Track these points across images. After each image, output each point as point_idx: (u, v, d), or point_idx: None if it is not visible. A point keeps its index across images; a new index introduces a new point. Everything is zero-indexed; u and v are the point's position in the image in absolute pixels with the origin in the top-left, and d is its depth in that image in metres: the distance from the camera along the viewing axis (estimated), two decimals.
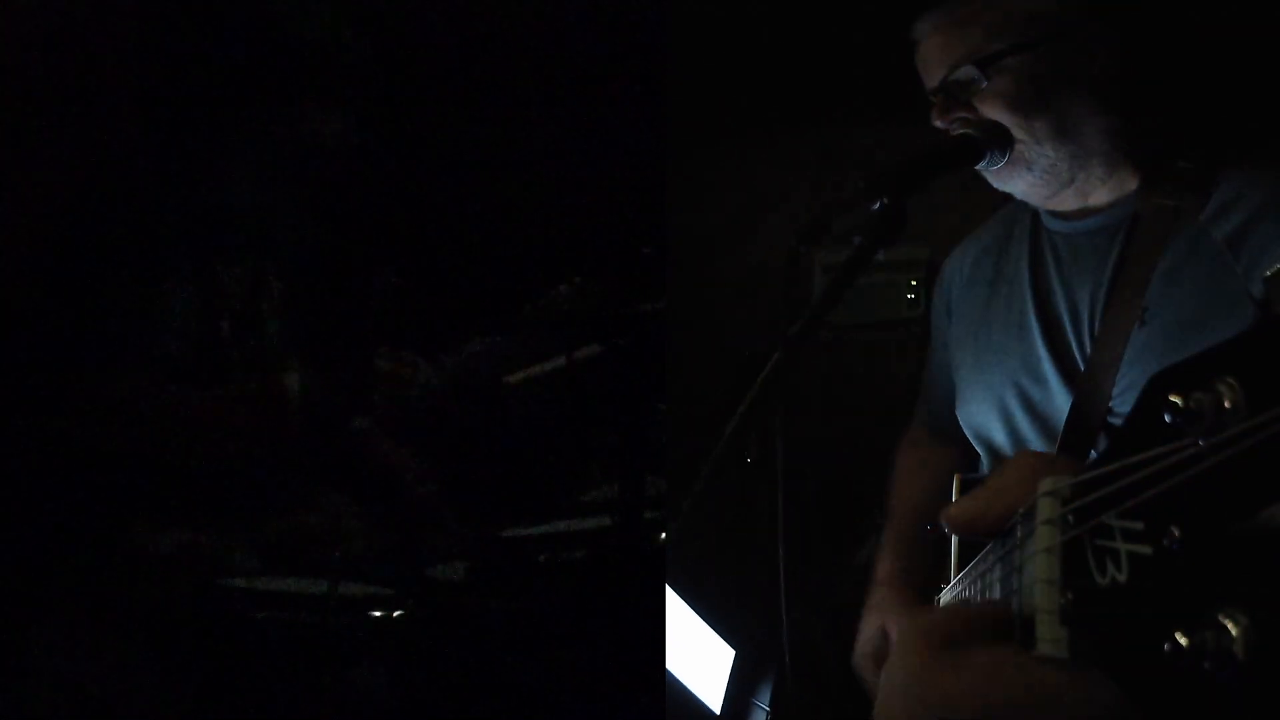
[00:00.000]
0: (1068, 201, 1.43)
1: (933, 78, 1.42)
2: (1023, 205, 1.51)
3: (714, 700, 2.09)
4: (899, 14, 1.44)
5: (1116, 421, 1.32)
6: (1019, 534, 0.56)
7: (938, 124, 1.41)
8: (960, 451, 1.65)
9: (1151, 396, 0.44)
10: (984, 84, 1.36)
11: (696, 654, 2.10)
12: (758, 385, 1.08)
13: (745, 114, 3.23)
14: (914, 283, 3.29)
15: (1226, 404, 0.40)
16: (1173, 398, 0.42)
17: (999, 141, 1.36)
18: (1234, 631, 0.39)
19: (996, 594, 0.63)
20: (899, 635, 0.57)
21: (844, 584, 1.64)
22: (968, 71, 1.38)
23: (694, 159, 3.31)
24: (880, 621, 1.62)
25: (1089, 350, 1.36)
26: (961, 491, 1.41)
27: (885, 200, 1.16)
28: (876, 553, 1.75)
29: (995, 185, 1.44)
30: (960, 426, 1.59)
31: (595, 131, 2.97)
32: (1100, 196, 1.42)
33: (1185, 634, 0.40)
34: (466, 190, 3.06)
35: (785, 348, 1.08)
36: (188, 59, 2.02)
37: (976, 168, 1.38)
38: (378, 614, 1.68)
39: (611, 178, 2.95)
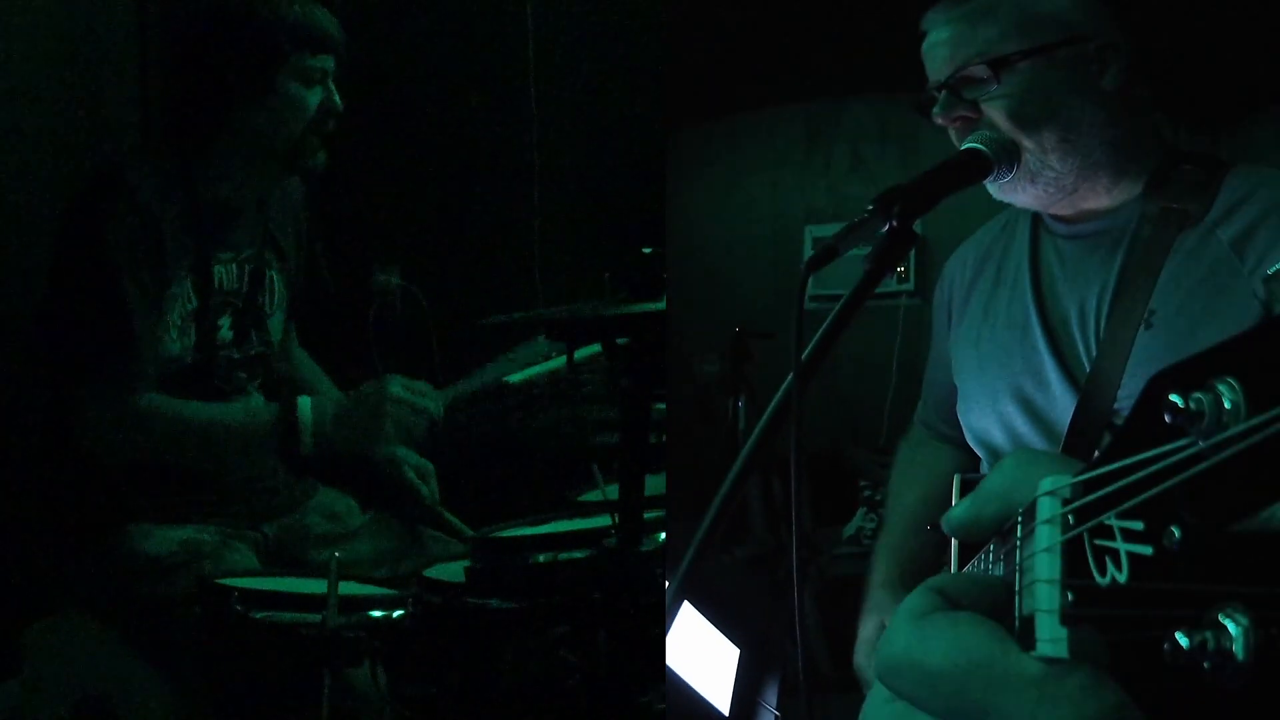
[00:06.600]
0: (1070, 207, 1.42)
1: (939, 71, 1.38)
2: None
3: (722, 702, 2.07)
4: None
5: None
6: (1019, 533, 0.56)
7: (939, 121, 1.39)
8: (960, 451, 1.64)
9: (1151, 396, 0.44)
10: (994, 85, 1.33)
11: (702, 654, 2.09)
12: (769, 412, 1.06)
13: (735, 89, 3.22)
14: None
15: (1226, 404, 0.40)
16: (1173, 398, 0.42)
17: (1007, 154, 1.33)
18: (1234, 631, 0.39)
19: None
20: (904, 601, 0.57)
21: (833, 559, 1.63)
22: (979, 70, 1.34)
23: (684, 134, 3.29)
24: (880, 620, 1.61)
25: (1094, 353, 1.35)
26: (962, 491, 1.41)
27: (894, 221, 1.15)
28: (872, 558, 1.74)
29: (996, 197, 1.41)
30: (960, 428, 1.59)
31: (595, 129, 2.97)
32: (1104, 202, 1.40)
33: (1185, 634, 0.40)
34: (468, 189, 3.05)
35: (797, 374, 1.05)
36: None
37: (984, 182, 1.36)
38: (378, 614, 1.67)
39: (612, 176, 2.94)
